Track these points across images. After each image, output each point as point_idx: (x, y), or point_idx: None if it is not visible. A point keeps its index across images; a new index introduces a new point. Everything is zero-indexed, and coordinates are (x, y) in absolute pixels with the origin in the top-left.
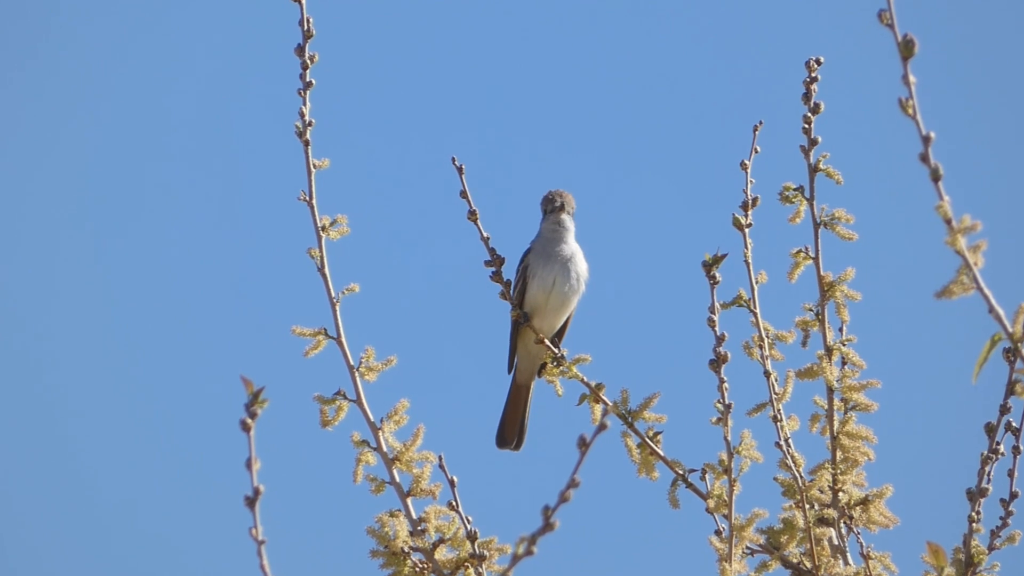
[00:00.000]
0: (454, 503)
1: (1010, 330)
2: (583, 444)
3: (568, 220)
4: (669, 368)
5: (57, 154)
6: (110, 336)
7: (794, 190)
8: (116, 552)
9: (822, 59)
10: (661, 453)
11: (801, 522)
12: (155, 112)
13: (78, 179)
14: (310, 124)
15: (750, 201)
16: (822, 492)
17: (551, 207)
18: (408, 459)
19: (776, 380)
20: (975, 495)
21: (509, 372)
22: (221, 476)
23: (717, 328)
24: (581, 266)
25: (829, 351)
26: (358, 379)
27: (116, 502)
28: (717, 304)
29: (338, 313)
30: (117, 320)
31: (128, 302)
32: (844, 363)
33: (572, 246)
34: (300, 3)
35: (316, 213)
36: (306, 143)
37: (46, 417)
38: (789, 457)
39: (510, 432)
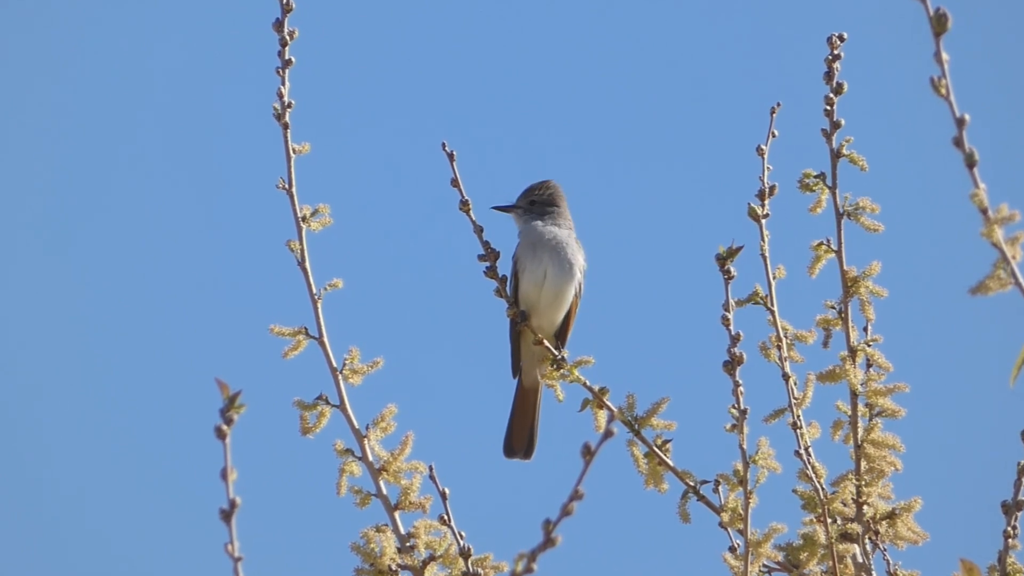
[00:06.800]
0: (446, 517)
1: None
2: (587, 453)
3: (519, 217)
4: (679, 371)
5: (22, 139)
6: (75, 333)
7: (815, 177)
8: (83, 567)
9: (845, 35)
10: (670, 463)
11: (823, 538)
12: (124, 93)
13: (44, 167)
14: (289, 106)
15: (767, 189)
16: (845, 505)
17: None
18: (396, 469)
19: (795, 383)
20: (1011, 508)
21: (514, 376)
22: (194, 487)
23: (732, 327)
24: (573, 255)
25: (853, 352)
26: (341, 382)
27: (81, 515)
28: (732, 301)
29: (320, 311)
30: (83, 316)
31: (95, 296)
32: (869, 365)
33: (558, 235)
34: None
35: (296, 202)
36: (285, 126)
37: (8, 419)
38: (809, 467)
39: (518, 440)
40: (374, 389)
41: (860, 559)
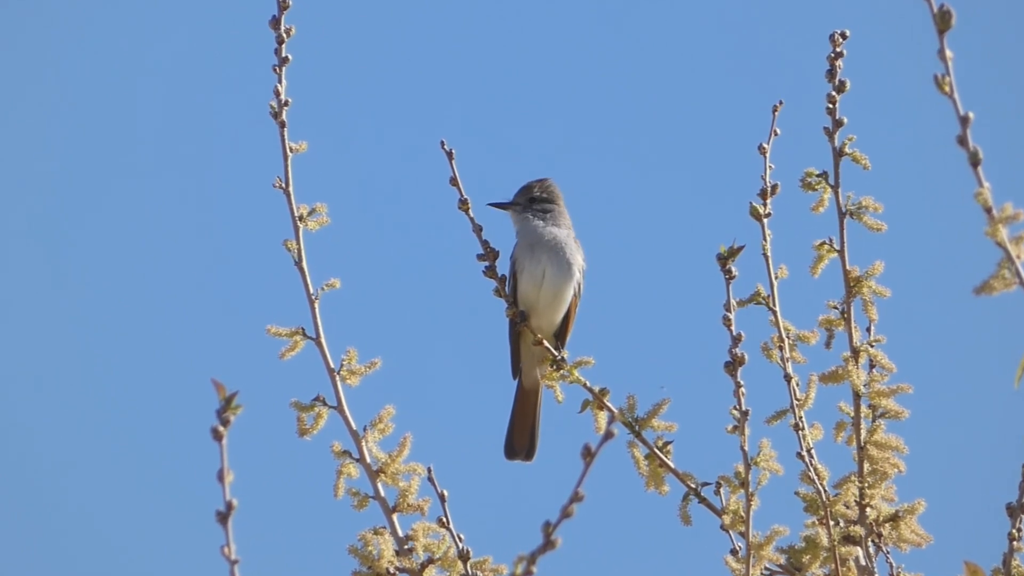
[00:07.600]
0: (444, 519)
1: None
2: (587, 455)
3: (517, 215)
4: (680, 372)
5: (19, 138)
6: (72, 333)
7: (817, 176)
8: (81, 567)
9: (848, 33)
10: (671, 465)
11: (825, 540)
12: (121, 90)
13: (41, 166)
14: (286, 104)
15: (769, 188)
16: (848, 507)
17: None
18: (394, 471)
19: (798, 384)
20: (1016, 510)
21: (514, 377)
22: (191, 489)
23: (733, 328)
24: (572, 255)
25: (855, 353)
26: (339, 383)
27: (79, 515)
28: (733, 301)
29: (317, 311)
30: (80, 316)
31: (92, 296)
32: (872, 366)
33: (556, 235)
34: None
35: (293, 201)
36: (282, 124)
37: (8, 419)
38: (812, 469)
39: (519, 441)
40: (372, 390)
41: (863, 562)
